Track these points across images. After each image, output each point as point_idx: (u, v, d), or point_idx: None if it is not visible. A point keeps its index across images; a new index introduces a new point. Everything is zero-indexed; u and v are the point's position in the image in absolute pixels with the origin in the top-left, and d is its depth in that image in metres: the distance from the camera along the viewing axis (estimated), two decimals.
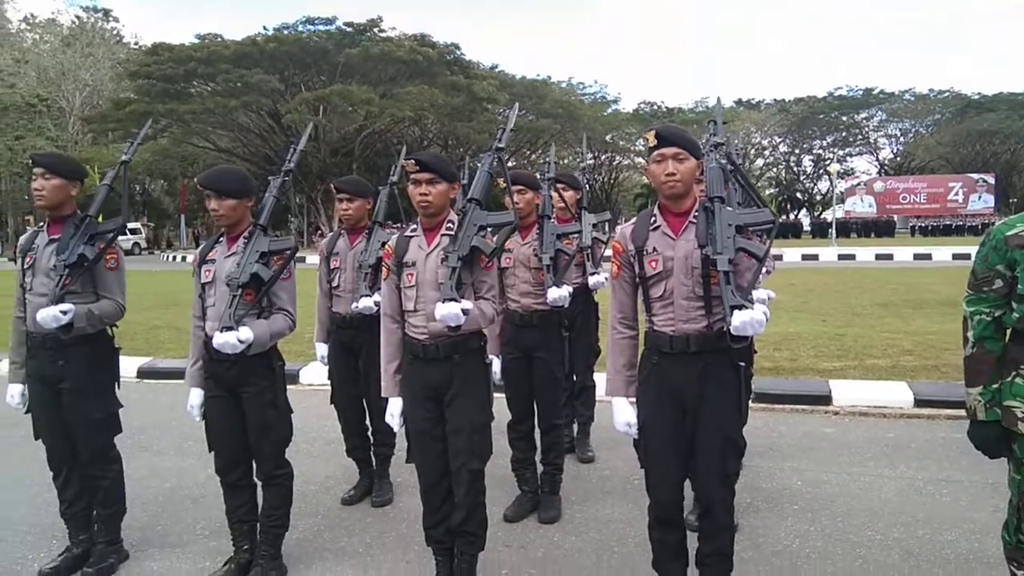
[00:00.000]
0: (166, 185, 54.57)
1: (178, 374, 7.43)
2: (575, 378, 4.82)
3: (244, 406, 3.12)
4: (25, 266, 3.26)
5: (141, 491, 4.18)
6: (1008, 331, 2.38)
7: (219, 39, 39.28)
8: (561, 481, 4.05)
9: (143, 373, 7.55)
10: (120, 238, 3.40)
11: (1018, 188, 49.31)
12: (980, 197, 47.59)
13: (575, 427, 4.95)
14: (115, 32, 53.19)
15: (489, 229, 2.97)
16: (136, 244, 44.21)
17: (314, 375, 6.99)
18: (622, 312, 2.77)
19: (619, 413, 2.74)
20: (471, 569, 3.05)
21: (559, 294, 3.76)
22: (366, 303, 3.87)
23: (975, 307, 2.37)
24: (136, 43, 53.17)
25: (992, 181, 47.73)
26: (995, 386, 2.35)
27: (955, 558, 3.34)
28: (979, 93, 53.46)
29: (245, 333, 2.91)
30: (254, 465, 3.24)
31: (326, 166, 39.87)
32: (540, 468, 4.06)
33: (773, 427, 5.38)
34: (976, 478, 4.26)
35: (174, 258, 37.31)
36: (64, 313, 3.03)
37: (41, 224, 3.34)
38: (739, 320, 2.36)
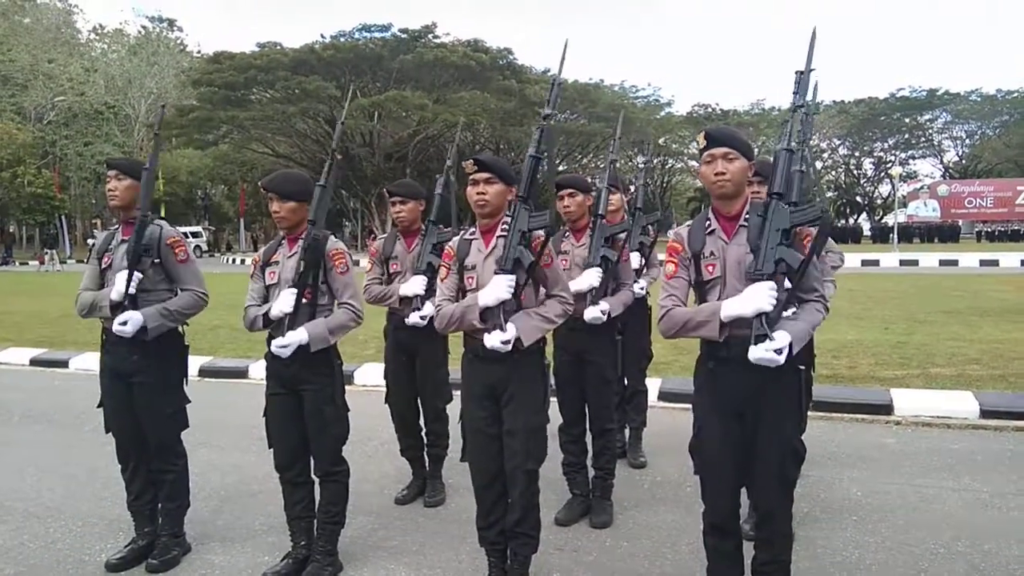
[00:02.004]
0: (226, 190, 56.06)
1: (237, 373, 7.67)
2: (627, 382, 4.80)
3: (304, 403, 3.20)
4: (103, 266, 3.41)
5: (203, 486, 4.31)
6: None
7: (278, 47, 40.25)
8: (613, 486, 4.03)
9: (204, 372, 7.78)
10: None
11: None
12: None
13: (627, 432, 4.93)
14: (179, 41, 54.91)
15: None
16: (197, 247, 45.55)
17: (368, 376, 7.11)
18: (676, 303, 2.66)
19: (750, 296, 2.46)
20: (524, 571, 3.07)
21: (594, 313, 3.75)
22: (415, 319, 3.94)
23: None
24: (199, 52, 54.86)
25: None
26: None
27: (1021, 573, 3.22)
28: None
29: (292, 337, 3.06)
30: (312, 462, 3.31)
31: (380, 171, 40.47)
32: (591, 472, 4.05)
33: (832, 436, 5.25)
34: None
35: (233, 260, 38.33)
36: (124, 324, 3.19)
37: (117, 225, 3.49)
38: (753, 356, 2.39)
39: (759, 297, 2.42)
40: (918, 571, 3.28)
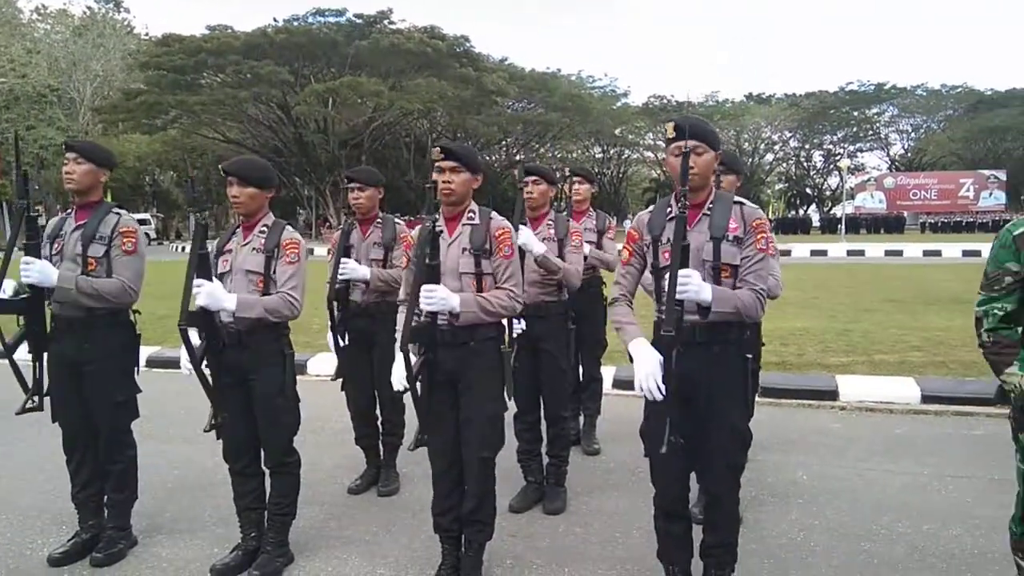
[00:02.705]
0: (175, 176, 54.72)
1: (160, 363, 7.51)
2: (581, 370, 4.84)
3: (253, 394, 3.15)
4: (53, 252, 3.29)
5: (150, 478, 4.20)
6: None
7: (229, 30, 39.25)
8: (567, 473, 4.07)
9: (152, 362, 7.61)
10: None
11: None
12: (991, 194, 47.20)
13: (581, 419, 4.97)
14: (126, 23, 53.19)
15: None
16: (145, 234, 44.29)
17: (322, 365, 7.03)
18: (623, 292, 2.78)
19: (643, 360, 2.52)
20: (478, 558, 3.08)
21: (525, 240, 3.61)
22: (354, 270, 3.91)
23: (987, 306, 2.38)
24: (146, 34, 53.19)
25: (1003, 177, 47.30)
26: None
27: (960, 553, 3.34)
28: (992, 89, 52.94)
29: (229, 299, 2.98)
30: (262, 453, 3.27)
31: (335, 158, 39.90)
32: (546, 459, 4.08)
33: (779, 422, 5.37)
34: (982, 474, 4.26)
35: (183, 249, 37.48)
36: (29, 264, 3.06)
37: (69, 211, 3.38)
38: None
39: (647, 365, 2.50)
40: (860, 552, 3.38)
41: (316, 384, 6.23)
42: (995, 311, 2.36)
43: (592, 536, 3.60)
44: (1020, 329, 2.37)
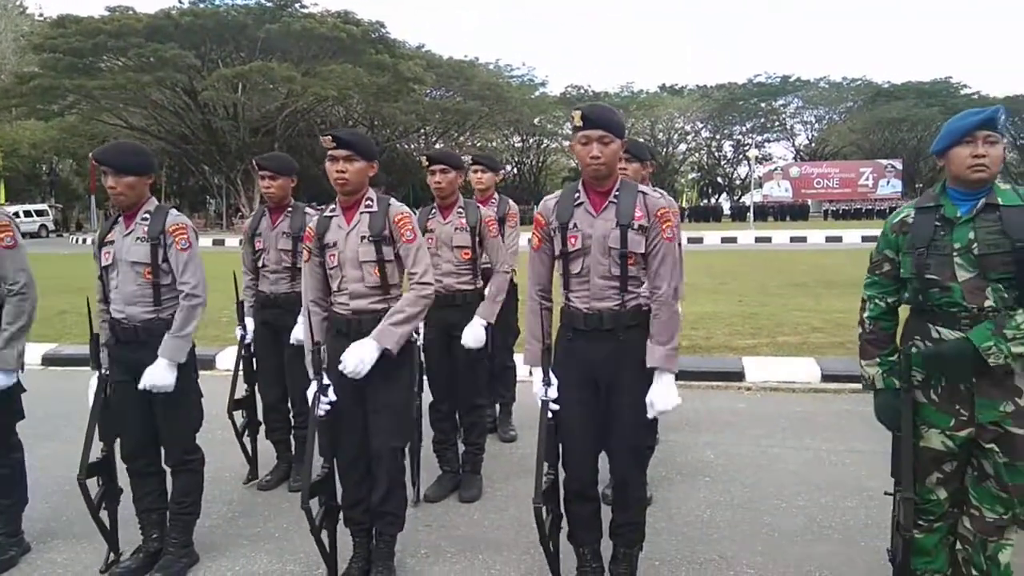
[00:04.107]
0: (75, 164, 51.84)
1: (85, 360, 7.12)
2: (495, 359, 4.84)
3: (152, 390, 3.00)
4: None
5: (46, 481, 4.01)
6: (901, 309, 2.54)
7: (131, 12, 37.32)
8: (482, 460, 4.08)
9: (48, 360, 7.23)
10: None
11: (924, 174, 51.63)
12: (888, 182, 49.75)
13: (497, 407, 4.99)
14: (18, 3, 50.11)
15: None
16: (43, 226, 41.94)
17: (232, 360, 6.80)
18: (540, 284, 2.81)
19: (538, 385, 2.72)
20: (389, 550, 3.06)
21: (470, 341, 3.81)
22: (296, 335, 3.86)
23: (871, 291, 2.55)
24: (41, 15, 50.15)
25: (900, 167, 49.91)
26: (890, 358, 2.49)
27: (854, 523, 3.52)
28: (889, 82, 55.86)
29: (150, 380, 2.95)
30: (163, 451, 3.14)
31: (246, 145, 38.64)
32: (462, 448, 4.08)
33: (689, 403, 5.50)
34: (876, 448, 4.45)
35: (83, 240, 35.61)
36: None
37: None
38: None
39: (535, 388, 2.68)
40: (763, 526, 3.52)
41: (226, 379, 6.02)
42: (877, 302, 2.51)
43: (506, 522, 3.63)
44: (895, 323, 2.53)
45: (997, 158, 2.28)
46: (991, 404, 2.31)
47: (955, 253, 2.29)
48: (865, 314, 2.56)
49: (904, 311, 2.54)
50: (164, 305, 3.02)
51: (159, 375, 2.92)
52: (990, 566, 2.44)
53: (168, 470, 3.17)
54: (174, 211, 3.09)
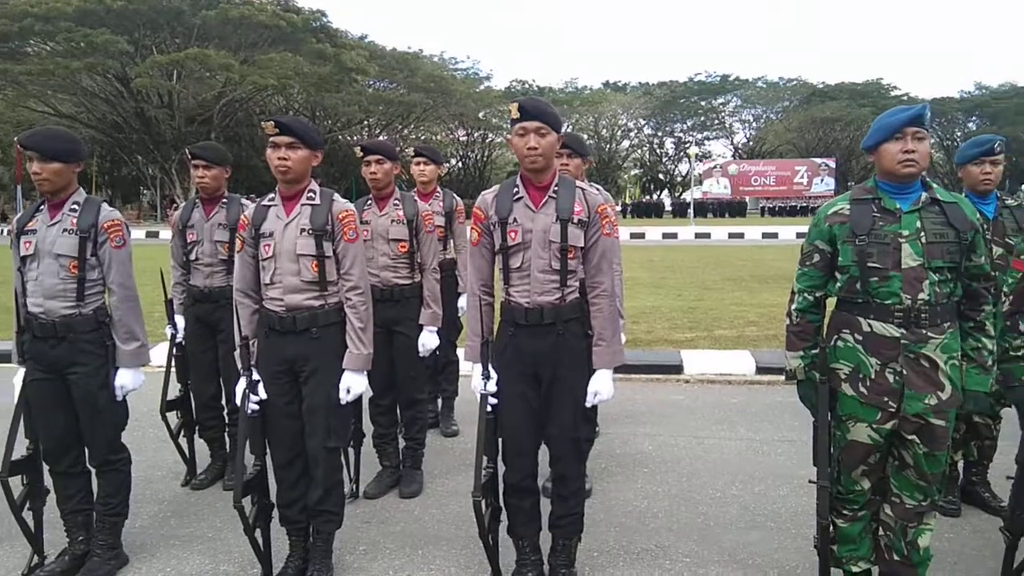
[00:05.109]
0: (0, 154, 49.61)
1: (7, 357, 6.84)
2: (437, 353, 4.82)
3: (72, 389, 2.90)
4: None
5: None
6: (828, 302, 2.61)
7: None
8: (423, 455, 4.06)
9: None
10: None
11: (856, 172, 53.34)
12: (822, 180, 51.20)
13: (439, 402, 4.97)
14: None
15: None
16: None
17: (163, 356, 6.60)
18: (481, 279, 2.80)
19: (478, 379, 2.74)
20: (327, 547, 3.01)
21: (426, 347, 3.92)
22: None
23: (801, 284, 2.61)
24: None
25: (833, 165, 51.44)
26: (813, 351, 2.56)
27: (786, 511, 3.62)
28: (823, 82, 57.70)
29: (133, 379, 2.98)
30: (87, 451, 3.03)
31: (181, 135, 37.51)
32: (402, 443, 4.05)
33: (629, 396, 5.61)
34: (807, 437, 4.59)
35: (8, 232, 34.12)
36: None
37: None
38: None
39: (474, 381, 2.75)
40: (698, 515, 3.59)
41: (159, 375, 5.85)
42: (807, 296, 2.58)
43: (447, 516, 3.61)
44: (821, 316, 2.61)
45: (925, 153, 2.37)
46: (918, 397, 2.39)
47: (904, 240, 2.37)
48: (793, 306, 2.63)
49: (831, 304, 2.62)
50: (87, 301, 2.90)
51: (129, 379, 2.97)
52: (911, 551, 2.54)
53: (93, 471, 3.06)
54: (106, 205, 2.97)
